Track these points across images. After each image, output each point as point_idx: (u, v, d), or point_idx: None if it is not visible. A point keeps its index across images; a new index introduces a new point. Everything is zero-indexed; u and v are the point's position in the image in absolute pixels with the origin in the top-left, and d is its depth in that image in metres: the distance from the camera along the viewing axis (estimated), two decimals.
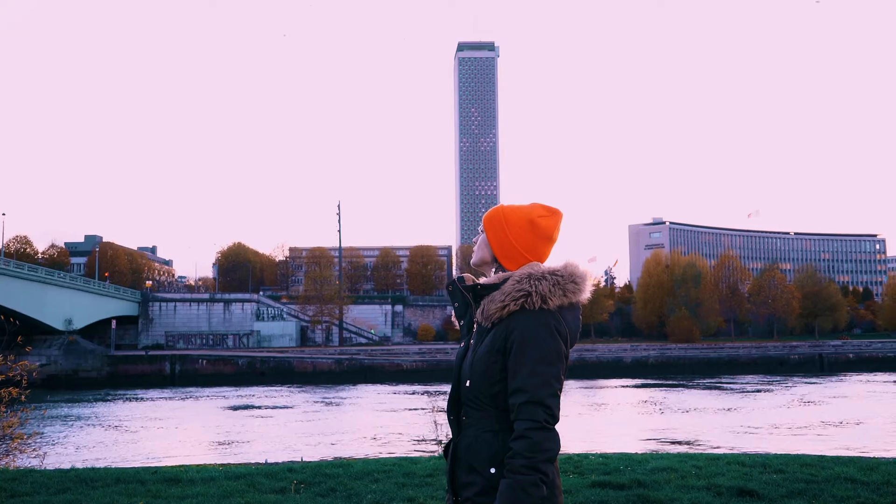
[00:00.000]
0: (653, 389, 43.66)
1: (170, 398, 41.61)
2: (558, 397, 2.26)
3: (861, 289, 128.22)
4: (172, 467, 8.35)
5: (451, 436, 2.53)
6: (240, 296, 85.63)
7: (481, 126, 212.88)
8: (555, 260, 2.49)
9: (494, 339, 2.32)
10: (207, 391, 45.65)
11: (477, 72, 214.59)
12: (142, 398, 41.94)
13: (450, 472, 2.41)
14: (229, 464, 9.22)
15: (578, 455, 8.78)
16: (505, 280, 2.38)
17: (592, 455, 8.75)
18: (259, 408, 35.32)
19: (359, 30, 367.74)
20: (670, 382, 47.95)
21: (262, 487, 6.77)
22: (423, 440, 18.60)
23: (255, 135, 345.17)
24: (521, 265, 2.43)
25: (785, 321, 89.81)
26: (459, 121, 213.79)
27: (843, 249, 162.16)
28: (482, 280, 2.46)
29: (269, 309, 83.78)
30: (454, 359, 2.52)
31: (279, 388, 47.25)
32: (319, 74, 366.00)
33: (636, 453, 9.49)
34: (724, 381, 49.57)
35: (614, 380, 52.99)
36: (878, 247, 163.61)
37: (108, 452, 21.04)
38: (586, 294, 2.38)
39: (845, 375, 55.24)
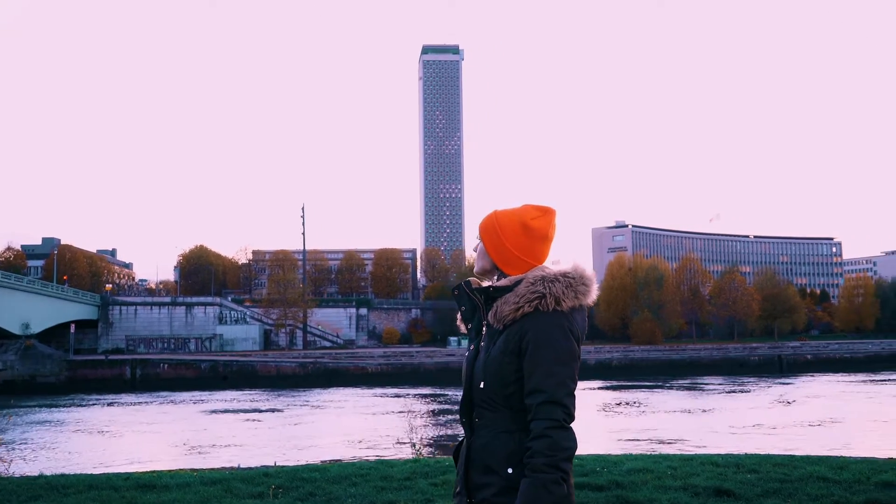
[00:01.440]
0: (618, 391, 44.03)
1: (131, 403, 40.96)
2: (574, 396, 2.29)
3: (818, 291, 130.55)
4: (145, 473, 8.21)
5: (461, 438, 2.54)
6: (202, 299, 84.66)
7: (445, 129, 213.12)
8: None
9: (508, 340, 2.33)
10: (170, 396, 45.02)
11: (441, 75, 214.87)
12: (103, 403, 41.23)
13: (463, 474, 2.39)
14: (203, 469, 9.09)
15: None
16: (518, 282, 2.39)
17: None
18: (224, 412, 34.93)
19: (323, 32, 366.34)
20: (635, 384, 48.38)
21: (239, 492, 6.69)
22: (396, 443, 18.55)
23: (218, 136, 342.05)
24: (523, 269, 2.44)
25: (745, 323, 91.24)
26: (424, 124, 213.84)
27: (800, 252, 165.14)
28: (495, 282, 2.46)
29: (232, 312, 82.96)
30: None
31: (243, 393, 46.77)
32: (283, 76, 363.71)
33: (610, 454, 9.56)
34: (687, 382, 50.16)
35: (579, 382, 53.30)
36: (834, 250, 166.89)
37: (75, 458, 20.64)
38: (594, 296, 2.41)
39: (804, 376, 56.25)
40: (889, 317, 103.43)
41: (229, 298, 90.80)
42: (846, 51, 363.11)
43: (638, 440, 22.11)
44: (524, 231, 2.44)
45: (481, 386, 2.36)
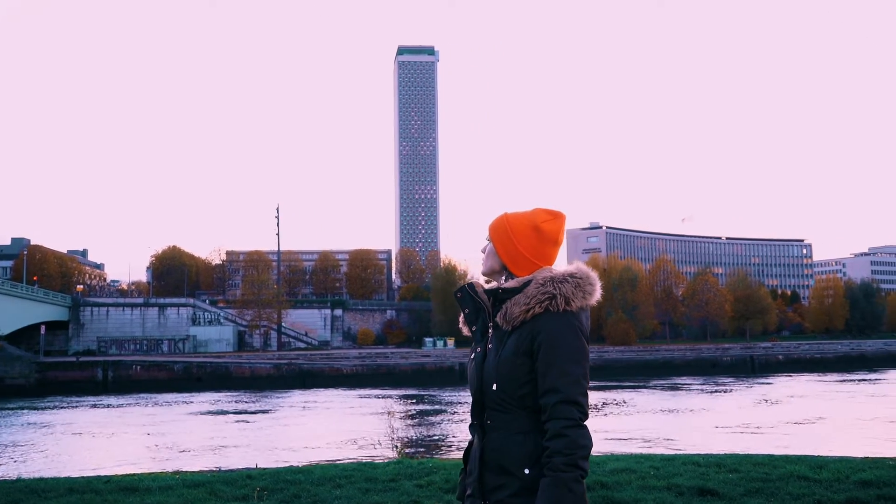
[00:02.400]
0: (599, 392, 44.25)
1: (104, 405, 40.46)
2: (587, 395, 2.32)
3: (789, 292, 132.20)
4: (125, 476, 8.11)
5: (473, 439, 2.55)
6: (175, 300, 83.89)
7: (421, 130, 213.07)
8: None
9: (519, 341, 2.35)
10: (142, 398, 44.54)
11: (416, 76, 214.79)
12: (75, 405, 40.69)
13: (477, 476, 2.39)
14: (184, 471, 9.01)
15: None
16: (526, 283, 2.41)
17: None
18: (199, 414, 34.62)
19: (298, 32, 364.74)
20: (610, 384, 48.64)
21: (223, 495, 6.64)
22: (376, 444, 18.47)
23: (191, 136, 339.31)
24: (531, 271, 2.46)
25: (718, 324, 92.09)
26: (399, 124, 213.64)
27: (772, 254, 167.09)
28: (504, 284, 2.47)
29: (206, 313, 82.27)
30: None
31: (218, 394, 46.37)
32: (258, 76, 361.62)
33: (593, 455, 9.60)
34: (661, 382, 50.52)
35: None
36: (804, 251, 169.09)
37: (50, 462, 20.34)
38: (598, 296, 2.44)
39: (775, 376, 56.88)
40: (858, 318, 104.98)
41: (203, 299, 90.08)
42: (817, 54, 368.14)
43: (621, 440, 22.24)
44: (535, 233, 2.47)
45: (493, 388, 2.37)
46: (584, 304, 2.38)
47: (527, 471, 2.28)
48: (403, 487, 6.94)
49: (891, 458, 8.58)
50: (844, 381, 50.02)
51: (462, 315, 2.59)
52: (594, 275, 2.44)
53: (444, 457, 13.68)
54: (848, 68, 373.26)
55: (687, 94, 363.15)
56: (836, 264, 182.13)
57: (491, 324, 2.47)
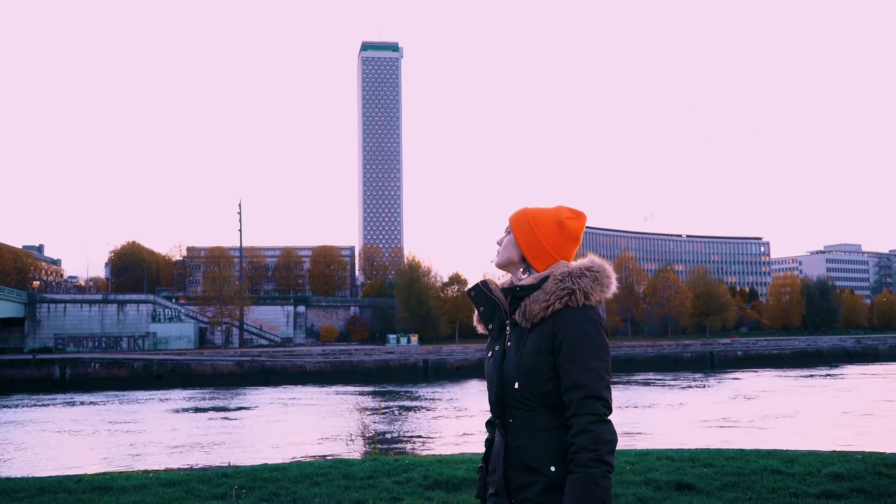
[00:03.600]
0: None
1: (62, 404, 39.71)
2: (610, 389, 2.32)
3: (747, 289, 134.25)
4: (98, 475, 7.95)
5: (490, 437, 2.58)
6: (135, 297, 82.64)
7: (385, 126, 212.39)
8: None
9: (540, 338, 2.33)
10: (101, 396, 43.81)
11: (381, 72, 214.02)
12: (32, 404, 39.88)
13: (502, 474, 2.37)
14: (157, 470, 8.86)
15: None
16: (544, 280, 2.39)
17: None
18: (162, 412, 34.14)
19: (261, 26, 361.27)
20: None
21: (200, 494, 6.54)
22: (347, 441, 18.39)
23: (152, 130, 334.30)
24: (549, 264, 2.46)
25: (678, 320, 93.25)
26: (363, 121, 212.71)
27: (730, 251, 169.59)
28: (521, 282, 2.45)
29: (166, 310, 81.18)
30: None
31: (178, 392, 45.78)
32: (221, 70, 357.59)
33: None
34: (623, 378, 51.00)
35: None
36: (762, 249, 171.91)
37: (14, 462, 19.89)
38: (614, 288, 2.44)
39: (734, 372, 57.75)
40: (814, 314, 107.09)
41: (163, 296, 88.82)
42: (769, 53, 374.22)
43: None
44: (559, 228, 2.47)
45: (516, 386, 2.34)
46: (602, 298, 2.39)
47: (553, 468, 2.27)
48: (382, 485, 6.91)
49: (858, 452, 8.75)
50: (805, 376, 51.00)
51: (476, 313, 2.56)
52: (610, 267, 2.45)
53: (418, 453, 13.65)
54: (804, 69, 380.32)
55: (649, 92, 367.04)
56: (793, 262, 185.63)
57: (508, 321, 2.45)
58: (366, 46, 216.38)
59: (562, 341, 2.30)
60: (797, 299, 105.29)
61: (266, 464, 8.93)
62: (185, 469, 8.93)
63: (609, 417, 2.27)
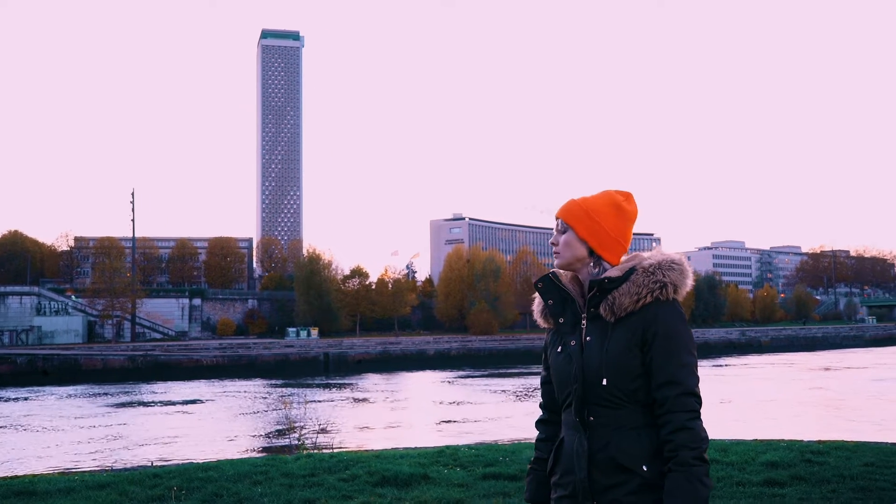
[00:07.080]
0: (463, 379, 44.81)
1: None
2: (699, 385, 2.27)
3: None
4: (15, 478, 7.40)
5: (540, 435, 2.52)
6: (17, 288, 78.53)
7: (284, 116, 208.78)
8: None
9: (629, 332, 2.23)
10: None
11: (281, 61, 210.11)
12: None
13: (586, 475, 2.24)
14: (79, 471, 8.33)
15: (448, 447, 8.77)
16: (630, 272, 2.30)
17: (464, 447, 8.77)
18: (52, 410, 32.46)
19: (158, 11, 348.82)
20: (478, 373, 49.41)
21: (136, 496, 6.17)
22: (267, 436, 17.89)
23: (37, 114, 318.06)
24: (618, 253, 2.38)
25: None
26: (262, 110, 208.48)
27: None
28: (608, 273, 2.32)
29: (52, 303, 77.42)
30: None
31: (67, 388, 43.66)
32: (115, 56, 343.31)
33: (500, 444, 9.65)
34: (524, 370, 51.80)
35: (419, 372, 53.72)
36: (654, 245, 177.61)
37: None
38: (691, 284, 2.39)
39: None
40: (702, 308, 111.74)
41: (49, 288, 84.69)
42: (668, 55, 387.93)
43: (512, 427, 22.55)
44: (618, 213, 2.39)
45: (604, 383, 2.23)
46: (685, 292, 2.34)
47: (645, 467, 2.18)
48: (327, 482, 6.69)
49: (783, 441, 9.08)
50: (735, 365, 53.11)
51: (544, 306, 2.45)
52: (687, 262, 2.39)
53: (346, 448, 13.39)
54: (703, 70, 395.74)
55: (545, 88, 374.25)
56: None
57: (584, 314, 2.34)
58: (266, 34, 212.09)
59: (654, 336, 2.21)
60: (688, 293, 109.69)
61: (195, 462, 8.54)
62: (108, 469, 8.45)
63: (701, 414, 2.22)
